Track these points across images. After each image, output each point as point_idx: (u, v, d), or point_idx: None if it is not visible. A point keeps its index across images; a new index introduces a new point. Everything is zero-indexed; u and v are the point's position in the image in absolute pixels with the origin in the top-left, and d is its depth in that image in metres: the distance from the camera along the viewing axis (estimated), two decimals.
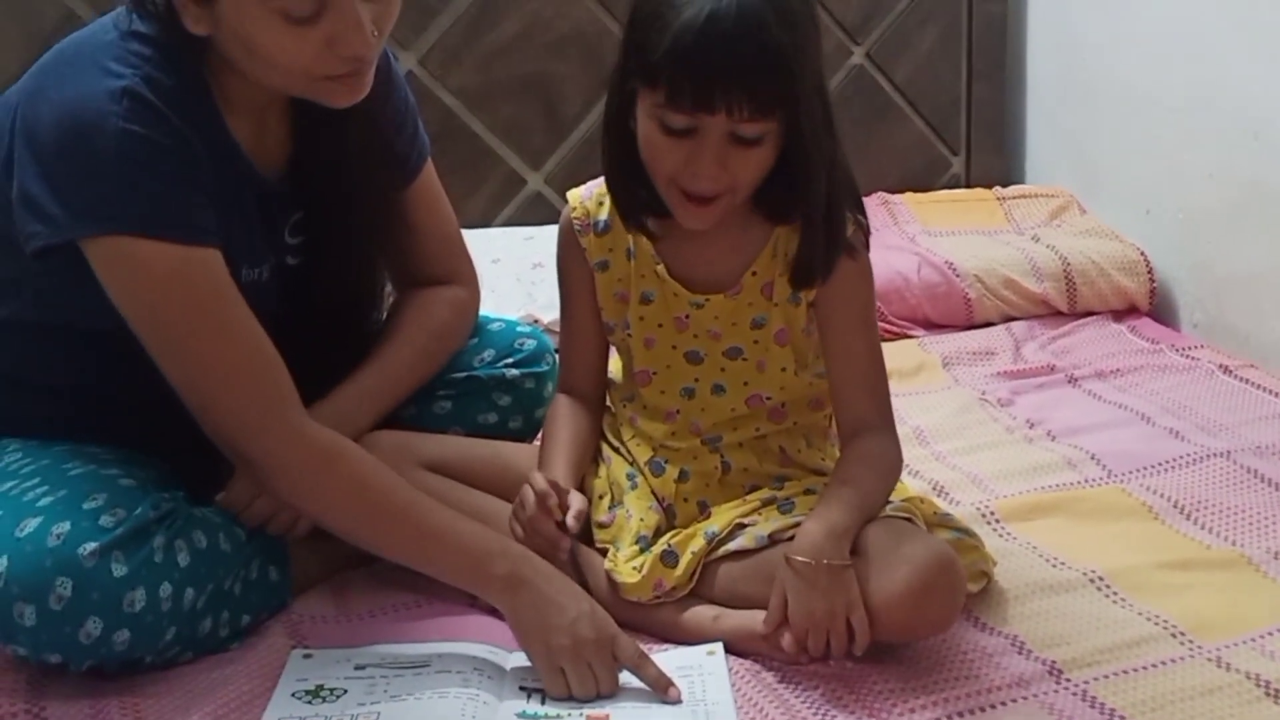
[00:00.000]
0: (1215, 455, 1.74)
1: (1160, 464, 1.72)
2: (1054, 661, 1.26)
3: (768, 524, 1.33)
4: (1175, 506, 1.60)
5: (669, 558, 1.33)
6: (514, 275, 2.16)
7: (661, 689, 1.21)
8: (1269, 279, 2.12)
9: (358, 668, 1.25)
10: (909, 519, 1.31)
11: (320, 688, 1.21)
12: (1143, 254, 2.30)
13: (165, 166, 1.18)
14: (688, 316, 1.40)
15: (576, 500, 1.31)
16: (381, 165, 1.40)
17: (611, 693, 1.21)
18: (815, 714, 1.18)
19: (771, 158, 1.26)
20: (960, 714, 1.18)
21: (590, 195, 1.43)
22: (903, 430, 1.44)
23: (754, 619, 1.28)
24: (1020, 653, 1.28)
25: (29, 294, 1.30)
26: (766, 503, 1.37)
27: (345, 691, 1.20)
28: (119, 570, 1.15)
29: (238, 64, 1.21)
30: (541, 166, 2.49)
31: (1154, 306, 2.31)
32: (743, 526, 1.34)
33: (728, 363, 1.41)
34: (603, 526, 1.41)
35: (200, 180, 1.21)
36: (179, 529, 1.22)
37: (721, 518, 1.36)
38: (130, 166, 1.16)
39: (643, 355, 1.43)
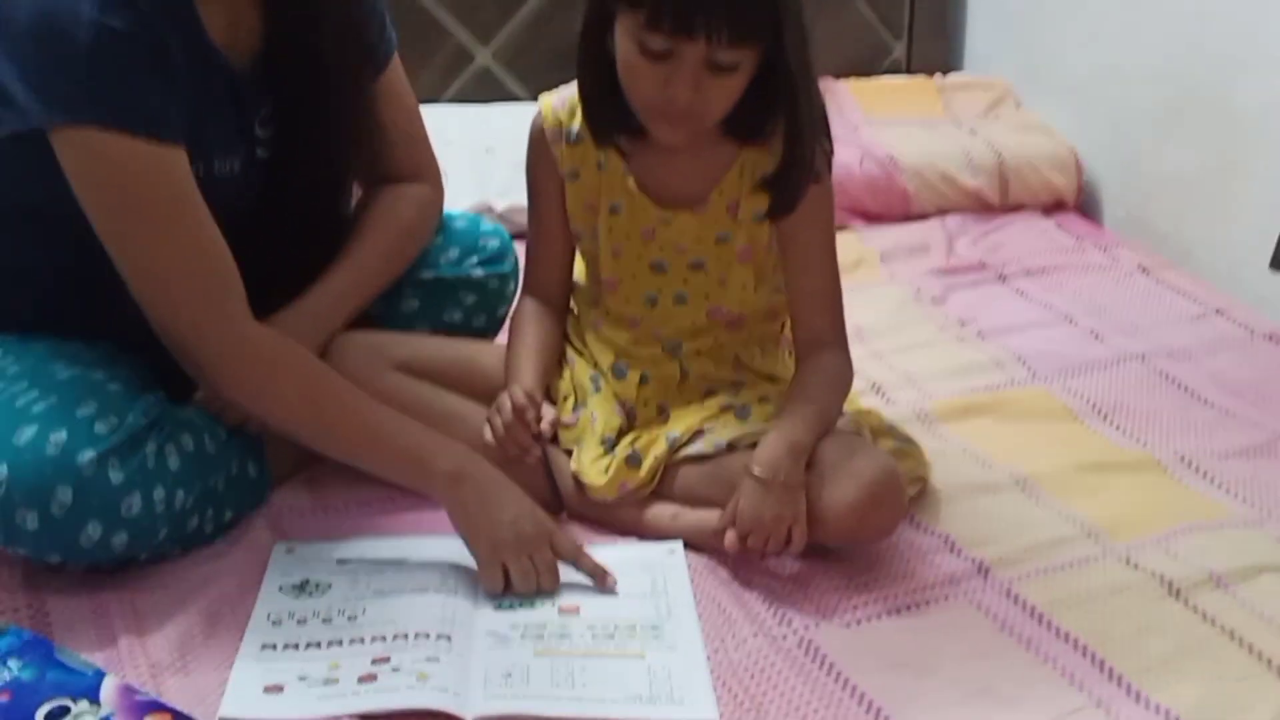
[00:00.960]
0: (1131, 358, 1.86)
1: (1081, 366, 1.84)
2: (982, 560, 1.38)
3: (726, 431, 1.42)
4: (1094, 409, 1.73)
5: (633, 460, 1.42)
6: (468, 159, 2.18)
7: (600, 579, 1.30)
8: (1192, 182, 2.22)
9: (340, 562, 1.32)
10: (857, 433, 1.41)
11: (306, 582, 1.29)
12: (1074, 152, 2.39)
13: (138, 61, 1.18)
14: (654, 230, 1.45)
15: (549, 412, 1.38)
16: (353, 53, 1.42)
17: (552, 587, 1.28)
18: (766, 608, 1.29)
19: (744, 84, 1.30)
20: (897, 610, 1.30)
21: (563, 104, 1.46)
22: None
23: (709, 519, 1.38)
24: (951, 551, 1.40)
25: None
26: (724, 409, 1.45)
27: (330, 586, 1.28)
28: (116, 477, 1.20)
29: None
30: (490, 41, 2.48)
31: (1080, 202, 2.41)
32: (701, 433, 1.43)
33: (690, 274, 1.47)
34: (567, 427, 1.48)
35: (173, 76, 1.22)
36: (168, 433, 1.27)
37: (682, 422, 1.45)
38: (103, 60, 1.16)
39: (610, 264, 1.49)
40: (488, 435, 1.38)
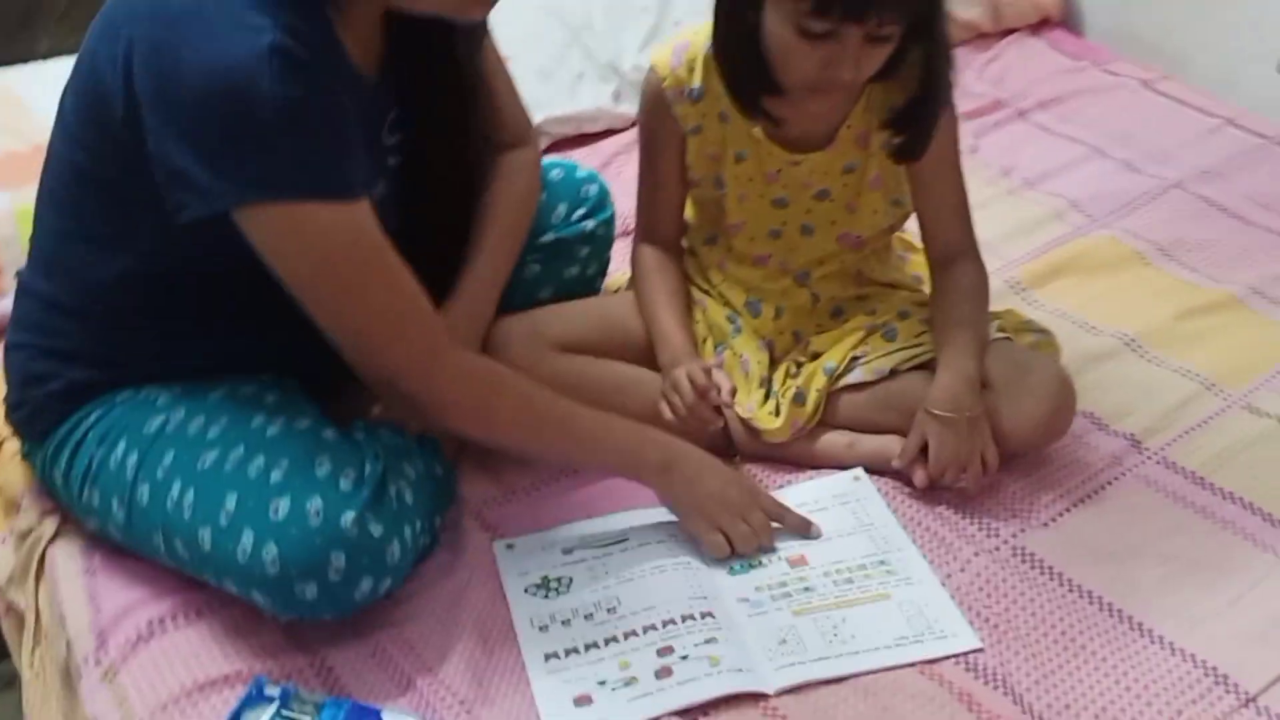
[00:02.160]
0: (1170, 186, 1.99)
1: (1130, 203, 1.95)
2: (1131, 434, 1.51)
3: (880, 356, 1.48)
4: (1159, 249, 1.85)
5: (799, 398, 1.48)
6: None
7: (805, 530, 1.37)
8: None
9: (565, 551, 1.38)
10: (1009, 338, 1.49)
11: (546, 580, 1.34)
12: None
13: (322, 126, 1.15)
14: (779, 171, 1.48)
15: (724, 381, 1.42)
16: (475, 33, 1.39)
17: (771, 544, 1.36)
18: (970, 523, 1.40)
19: (896, 45, 1.31)
20: (1082, 499, 1.42)
21: (680, 62, 1.45)
22: None
23: (886, 445, 1.46)
24: (1100, 429, 1.52)
25: (145, 248, 1.27)
26: (869, 331, 1.52)
27: (571, 580, 1.34)
28: (376, 530, 1.22)
29: None
30: None
31: (1065, 17, 2.46)
32: (857, 360, 1.50)
33: (814, 204, 1.50)
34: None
35: (350, 126, 1.19)
36: (396, 469, 1.29)
37: (834, 352, 1.51)
38: (289, 131, 1.12)
39: (736, 209, 1.51)
40: (668, 414, 1.42)
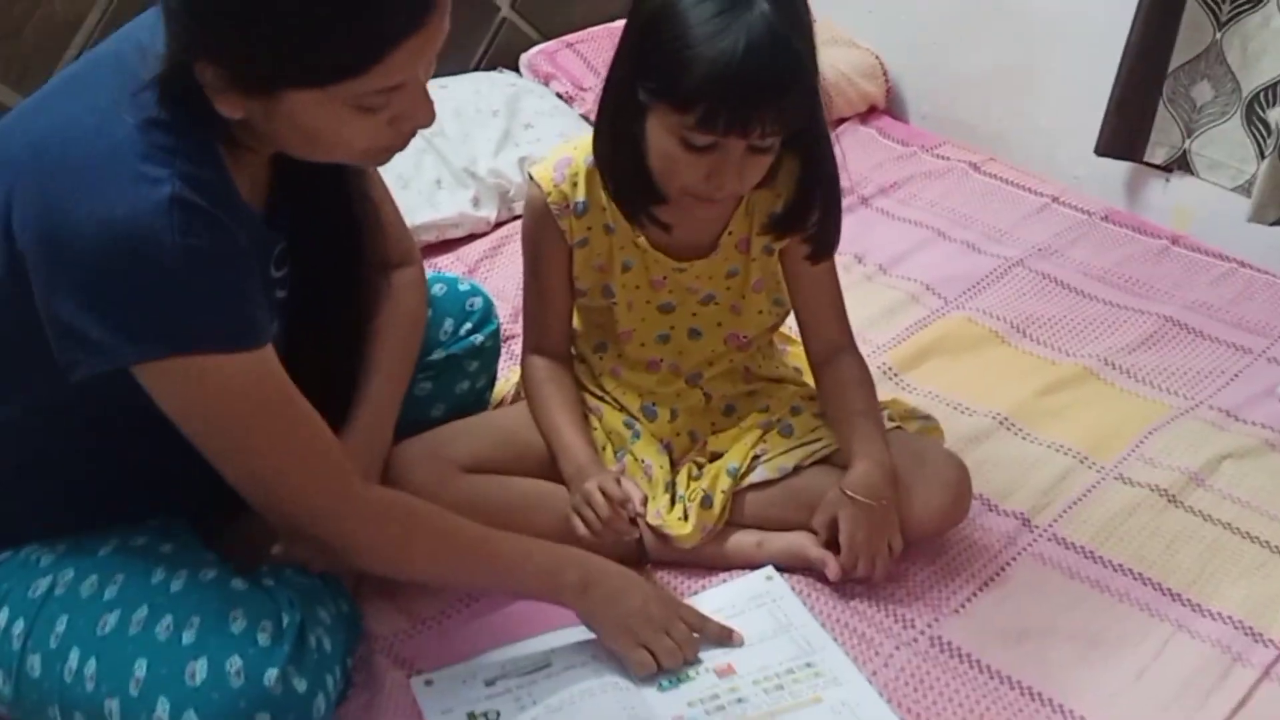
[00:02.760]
0: (1012, 265, 2.09)
1: (978, 283, 2.05)
2: (1020, 512, 1.57)
3: (781, 454, 1.50)
4: (1012, 327, 1.94)
5: (706, 501, 1.49)
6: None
7: (726, 639, 1.36)
8: (993, 80, 2.44)
9: (487, 683, 1.33)
10: (900, 427, 1.53)
11: (472, 716, 1.29)
12: (878, 58, 2.55)
13: (226, 274, 1.10)
14: (665, 278, 1.49)
15: (636, 491, 1.42)
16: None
17: (694, 656, 1.34)
18: (881, 612, 1.42)
19: (775, 154, 1.34)
20: (986, 583, 1.47)
21: (563, 178, 1.45)
22: None
23: (794, 541, 1.47)
24: (991, 510, 1.57)
25: (26, 400, 1.19)
26: (765, 428, 1.54)
27: (499, 714, 1.29)
28: (300, 685, 1.15)
29: (275, 142, 1.12)
30: None
31: (890, 104, 2.58)
32: (757, 458, 1.51)
33: (700, 308, 1.52)
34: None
35: (252, 272, 1.14)
36: (311, 616, 1.23)
37: (736, 452, 1.52)
38: (193, 283, 1.07)
39: (625, 317, 1.51)
40: (582, 529, 1.40)
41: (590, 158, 1.44)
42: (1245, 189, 2.12)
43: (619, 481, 1.41)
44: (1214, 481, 1.63)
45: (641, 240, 1.46)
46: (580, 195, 1.45)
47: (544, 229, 1.47)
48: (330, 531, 1.22)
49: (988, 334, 1.92)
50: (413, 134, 1.14)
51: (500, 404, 1.66)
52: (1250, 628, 1.40)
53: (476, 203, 2.13)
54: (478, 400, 1.62)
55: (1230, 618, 1.41)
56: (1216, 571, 1.49)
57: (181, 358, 1.09)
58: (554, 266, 1.49)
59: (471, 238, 2.13)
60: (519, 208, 2.20)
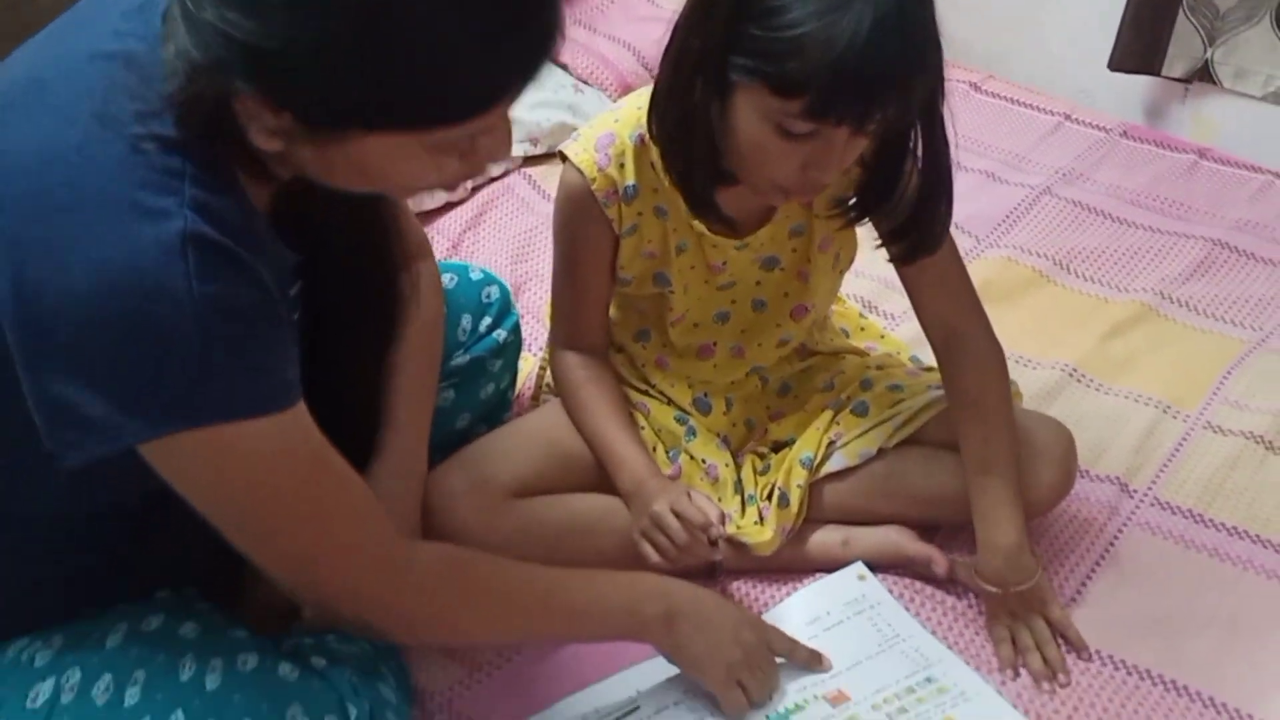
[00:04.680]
0: (1039, 194, 1.94)
1: (1007, 217, 1.89)
2: (1116, 477, 1.43)
3: (858, 437, 1.33)
4: (1056, 264, 1.79)
5: (782, 501, 1.32)
6: None
7: (816, 664, 1.21)
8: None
9: None
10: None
11: None
12: None
13: (253, 326, 0.88)
14: (725, 263, 1.30)
15: (714, 510, 1.23)
16: None
17: (778, 685, 1.19)
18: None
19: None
20: (1098, 563, 1.33)
21: (609, 160, 1.24)
22: None
23: (886, 538, 1.32)
24: (1084, 476, 1.42)
25: (7, 486, 0.97)
26: (835, 408, 1.37)
27: None
28: None
29: (315, 174, 0.90)
30: None
31: None
32: (832, 444, 1.34)
33: (764, 275, 1.33)
34: (673, 479, 1.35)
35: (282, 322, 0.93)
36: (375, 698, 1.04)
37: (807, 441, 1.35)
38: (214, 341, 0.84)
39: (680, 302, 1.33)
40: (654, 558, 1.22)
41: (637, 133, 1.23)
42: (1276, 96, 1.98)
43: (690, 496, 1.23)
44: None
45: (698, 224, 1.26)
46: (629, 178, 1.24)
47: (587, 219, 1.26)
48: (379, 611, 1.01)
49: (1032, 274, 1.77)
50: (483, 170, 0.94)
51: (518, 399, 1.48)
52: None
53: None
54: (502, 401, 1.43)
55: None
56: None
57: (201, 430, 0.87)
58: (597, 258, 1.29)
59: (449, 207, 1.91)
60: (496, 169, 1.99)
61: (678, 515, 1.21)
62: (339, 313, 1.11)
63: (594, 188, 1.24)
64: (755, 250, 1.30)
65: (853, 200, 1.24)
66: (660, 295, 1.32)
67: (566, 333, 1.36)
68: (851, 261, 1.37)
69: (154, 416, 0.85)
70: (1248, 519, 1.37)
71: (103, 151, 0.84)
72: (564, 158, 1.26)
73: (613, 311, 1.38)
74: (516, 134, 1.99)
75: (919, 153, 1.16)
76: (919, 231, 1.21)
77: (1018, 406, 1.35)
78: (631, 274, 1.30)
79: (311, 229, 1.03)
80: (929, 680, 1.21)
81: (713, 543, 1.23)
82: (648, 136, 1.22)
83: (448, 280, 1.38)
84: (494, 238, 1.87)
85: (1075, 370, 1.58)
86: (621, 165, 1.24)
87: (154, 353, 0.83)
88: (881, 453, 1.33)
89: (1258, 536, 1.35)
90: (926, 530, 1.34)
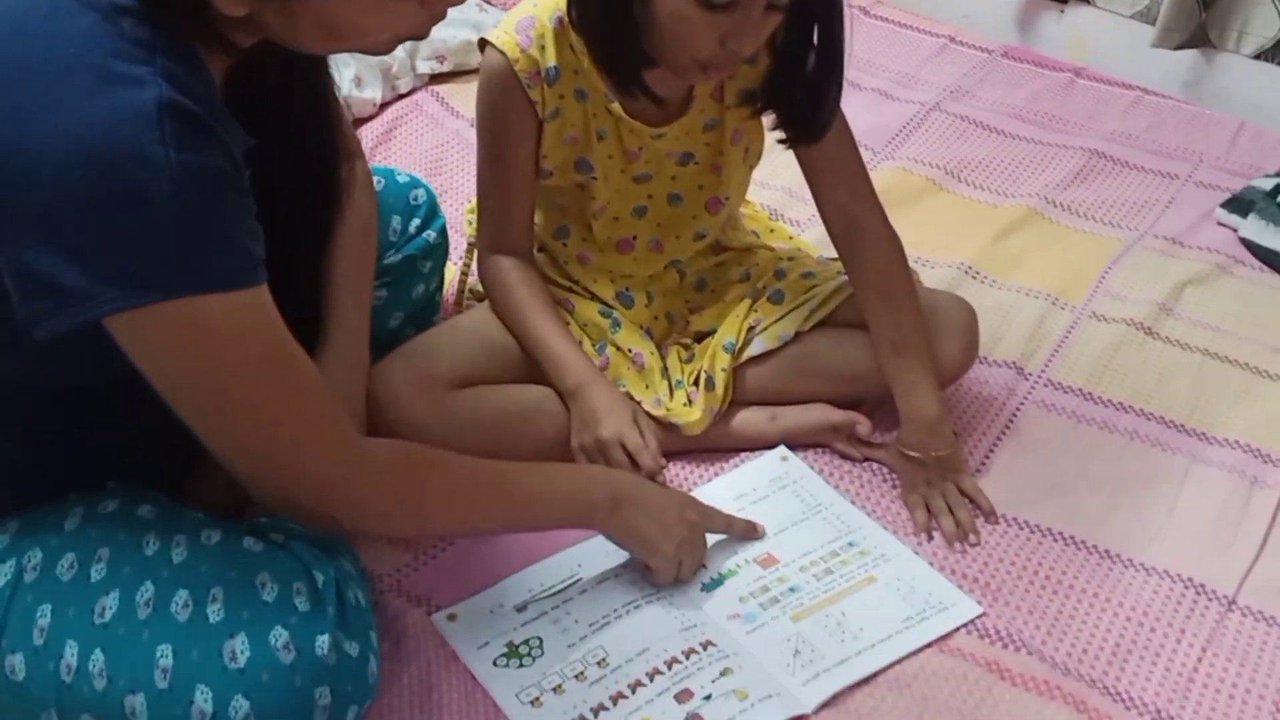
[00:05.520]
0: (930, 109, 2.03)
1: (900, 131, 1.98)
2: (1012, 361, 1.53)
3: (776, 321, 1.40)
4: (948, 174, 1.89)
5: (709, 384, 1.39)
6: None
7: (753, 533, 1.29)
8: None
9: (518, 609, 1.21)
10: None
11: (513, 646, 1.18)
12: None
13: (226, 197, 0.90)
14: (640, 149, 1.35)
15: (654, 442, 1.30)
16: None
17: (703, 561, 1.26)
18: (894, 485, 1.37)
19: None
20: (1000, 436, 1.43)
21: (530, 41, 1.28)
22: None
23: (808, 414, 1.40)
24: (982, 362, 1.52)
25: None
26: (753, 297, 1.44)
27: (540, 640, 1.18)
28: (352, 649, 1.00)
29: (280, 37, 0.92)
30: None
31: None
32: (751, 330, 1.41)
33: (679, 170, 1.39)
34: (601, 370, 1.40)
35: (248, 194, 0.95)
36: (340, 570, 1.07)
37: (728, 327, 1.41)
38: (190, 209, 0.86)
39: (603, 190, 1.37)
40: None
41: (556, 16, 1.28)
42: (1144, 15, 2.11)
43: (639, 427, 1.30)
44: (1181, 309, 1.63)
45: (616, 106, 1.31)
46: (550, 59, 1.28)
47: (512, 103, 1.30)
48: (337, 498, 1.03)
49: (926, 183, 1.86)
50: (444, 14, 0.97)
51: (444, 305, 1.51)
52: (1258, 450, 1.41)
53: (359, 83, 1.92)
54: (431, 303, 1.46)
55: (1237, 443, 1.42)
56: (1210, 399, 1.49)
57: (173, 302, 0.89)
58: (522, 146, 1.33)
59: (357, 124, 1.92)
60: (403, 85, 2.00)
61: (625, 448, 1.28)
62: (286, 199, 1.13)
63: (517, 68, 1.28)
64: (671, 142, 1.35)
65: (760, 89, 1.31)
66: (581, 187, 1.37)
67: (493, 233, 1.40)
68: (759, 155, 1.43)
69: (129, 285, 0.87)
70: (1132, 395, 1.49)
71: (71, 22, 0.86)
72: (483, 46, 1.30)
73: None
74: (422, 52, 2.01)
75: (815, 41, 1.24)
76: (815, 113, 1.29)
77: (921, 286, 1.44)
78: (554, 163, 1.34)
79: (262, 112, 1.05)
80: (851, 544, 1.29)
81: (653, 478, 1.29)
82: (566, 19, 1.27)
83: (376, 182, 1.40)
84: (404, 155, 1.89)
85: (971, 268, 1.68)
86: (543, 47, 1.28)
87: (131, 220, 0.85)
88: (799, 336, 1.40)
89: (1141, 410, 1.47)
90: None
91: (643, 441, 1.29)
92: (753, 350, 1.40)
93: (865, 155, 1.84)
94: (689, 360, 1.43)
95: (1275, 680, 1.17)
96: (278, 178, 1.09)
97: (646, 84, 1.26)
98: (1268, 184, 1.83)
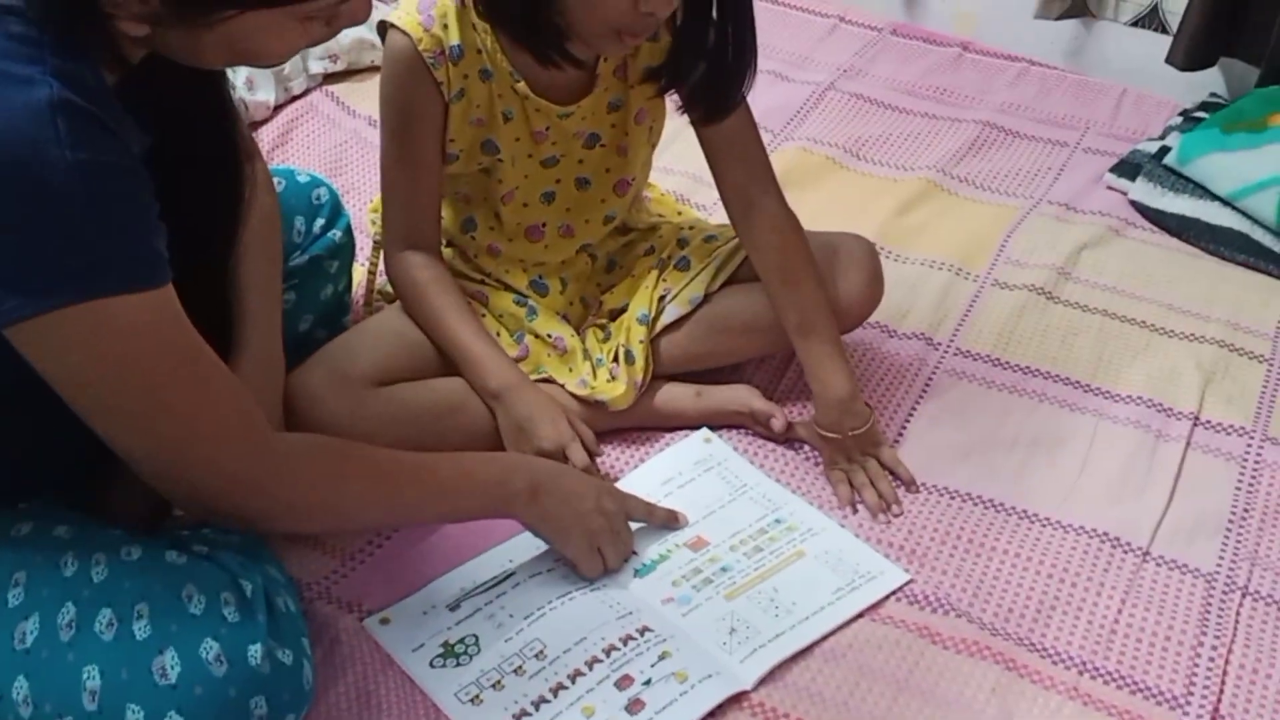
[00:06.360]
0: (825, 89, 2.06)
1: (798, 112, 2.00)
2: (921, 333, 1.56)
3: (686, 286, 1.41)
4: (846, 151, 1.91)
5: (628, 358, 1.39)
6: None
7: (674, 523, 1.29)
8: None
9: (451, 608, 1.20)
10: None
11: (449, 646, 1.17)
12: None
13: (127, 195, 0.88)
14: (547, 129, 1.35)
15: (589, 434, 1.32)
16: None
17: (631, 550, 1.26)
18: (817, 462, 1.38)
19: None
20: (918, 401, 1.46)
21: (432, 20, 1.27)
22: None
23: (736, 394, 1.41)
24: (892, 335, 1.55)
25: None
26: (660, 268, 1.44)
27: (477, 637, 1.17)
28: (286, 657, 0.98)
29: (178, 55, 0.91)
30: None
31: None
32: (662, 299, 1.41)
33: (586, 153, 1.39)
34: (521, 360, 1.40)
35: (150, 191, 0.92)
36: (268, 577, 1.05)
37: (640, 300, 1.42)
38: (89, 210, 0.85)
39: (510, 174, 1.36)
40: None
41: None
42: None
43: (579, 435, 1.31)
44: (1079, 273, 1.68)
45: (522, 85, 1.30)
46: (454, 38, 1.27)
47: (417, 84, 1.27)
48: (254, 497, 1.01)
49: (825, 162, 1.89)
50: (341, 30, 0.96)
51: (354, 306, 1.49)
52: (1160, 404, 1.46)
53: (251, 85, 1.88)
54: (340, 304, 1.44)
55: (1140, 398, 1.47)
56: (1112, 358, 1.53)
57: (79, 305, 0.87)
58: (428, 131, 1.30)
59: (252, 126, 1.88)
60: (297, 86, 1.97)
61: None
62: (190, 199, 1.10)
63: (421, 48, 1.26)
64: (577, 122, 1.35)
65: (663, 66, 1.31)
66: (487, 172, 1.36)
67: (401, 226, 1.37)
68: (660, 134, 1.44)
69: (32, 291, 0.85)
70: (1038, 358, 1.53)
71: None
72: (384, 30, 1.28)
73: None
74: (315, 52, 1.97)
75: (716, 17, 1.24)
76: (718, 91, 1.30)
77: (819, 230, 1.44)
78: (461, 145, 1.33)
79: (159, 111, 1.02)
80: (778, 521, 1.30)
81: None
82: None
83: (277, 183, 1.38)
84: (302, 157, 1.86)
85: (874, 243, 1.70)
86: (445, 26, 1.27)
87: (30, 224, 0.83)
88: (709, 297, 1.41)
89: (1048, 372, 1.51)
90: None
91: (584, 454, 1.29)
92: (666, 318, 1.41)
93: (765, 137, 1.87)
94: (606, 339, 1.43)
95: (1192, 625, 1.21)
96: (179, 178, 1.07)
97: (569, 50, 1.24)
98: (1152, 147, 1.89)
